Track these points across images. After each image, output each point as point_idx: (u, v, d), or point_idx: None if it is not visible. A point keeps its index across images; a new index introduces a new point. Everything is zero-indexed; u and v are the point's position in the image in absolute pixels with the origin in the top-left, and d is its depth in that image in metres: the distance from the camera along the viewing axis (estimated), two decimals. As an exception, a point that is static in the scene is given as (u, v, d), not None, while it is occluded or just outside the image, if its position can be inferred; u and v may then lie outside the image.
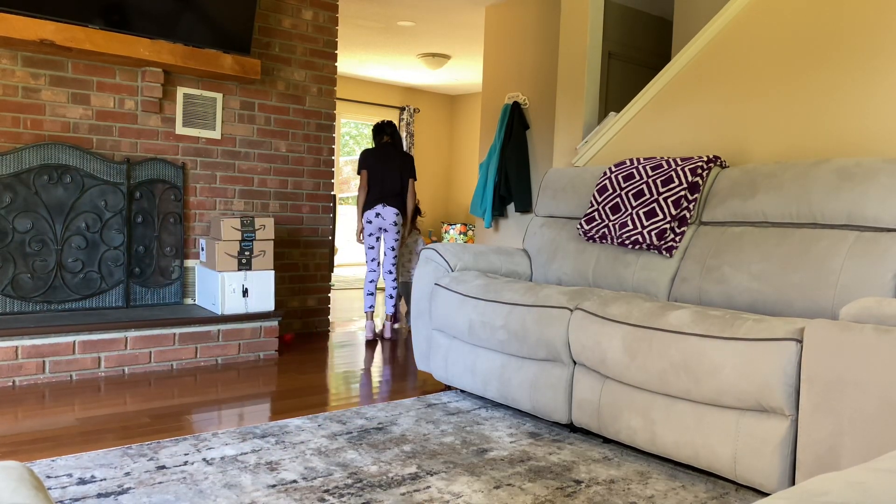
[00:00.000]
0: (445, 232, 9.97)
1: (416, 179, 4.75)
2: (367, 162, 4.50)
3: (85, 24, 3.39)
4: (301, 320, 4.61)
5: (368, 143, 10.49)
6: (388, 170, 4.50)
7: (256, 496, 1.99)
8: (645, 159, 3.20)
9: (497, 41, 6.00)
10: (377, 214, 4.47)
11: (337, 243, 8.60)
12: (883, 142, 2.76)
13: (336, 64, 4.61)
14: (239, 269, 3.75)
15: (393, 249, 4.57)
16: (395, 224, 4.51)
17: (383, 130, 4.66)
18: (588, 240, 3.27)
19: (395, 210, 4.49)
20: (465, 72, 8.96)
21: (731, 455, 2.09)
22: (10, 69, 3.40)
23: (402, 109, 10.28)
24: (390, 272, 4.60)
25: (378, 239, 4.56)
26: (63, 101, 3.56)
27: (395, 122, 10.32)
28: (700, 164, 2.99)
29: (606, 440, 2.61)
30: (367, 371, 3.64)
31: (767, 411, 2.03)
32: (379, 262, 4.57)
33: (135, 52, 3.53)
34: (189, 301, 4.01)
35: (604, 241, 3.18)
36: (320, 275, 4.69)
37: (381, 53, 8.08)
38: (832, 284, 2.37)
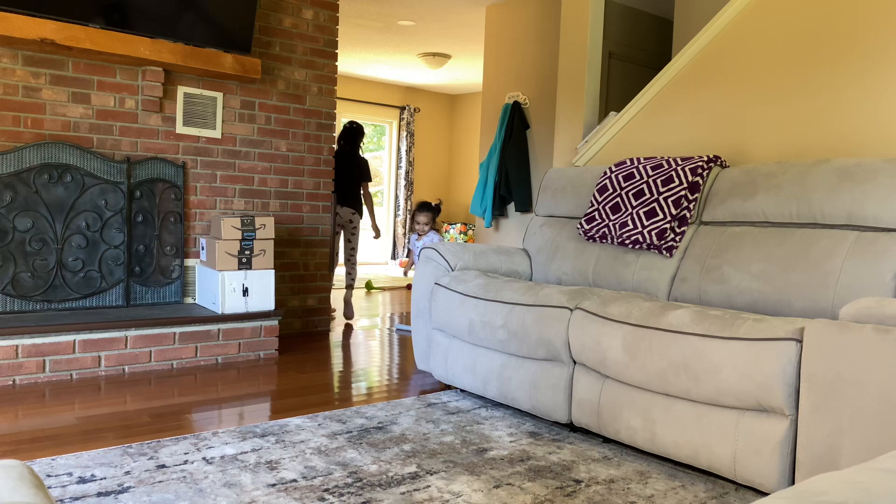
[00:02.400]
0: (445, 231, 9.98)
1: (369, 181, 5.46)
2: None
3: (85, 24, 3.39)
4: (301, 319, 4.61)
5: (370, 143, 10.49)
6: (347, 174, 5.29)
7: (256, 495, 1.99)
8: (645, 159, 3.20)
9: (497, 41, 6.00)
10: (336, 213, 5.27)
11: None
12: (883, 141, 2.76)
13: (336, 63, 4.61)
14: (239, 269, 3.75)
15: (349, 242, 5.35)
16: (351, 221, 5.32)
17: (340, 137, 5.35)
18: (588, 239, 3.27)
19: (351, 210, 5.31)
20: (465, 71, 8.96)
21: (731, 455, 2.09)
22: (11, 68, 3.40)
23: (402, 109, 10.28)
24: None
25: (338, 233, 5.34)
26: (63, 100, 3.56)
27: (395, 121, 10.32)
28: (700, 163, 2.99)
29: (606, 440, 2.61)
30: (367, 370, 3.64)
31: (767, 411, 2.03)
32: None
33: (135, 51, 3.53)
34: (189, 300, 4.01)
35: (604, 240, 3.18)
36: (320, 274, 4.69)
37: (382, 53, 8.08)
38: (832, 284, 2.38)
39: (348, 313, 5.26)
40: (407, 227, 10.23)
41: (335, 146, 5.19)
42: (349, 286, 5.38)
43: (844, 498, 0.69)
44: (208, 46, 3.79)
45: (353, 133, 5.33)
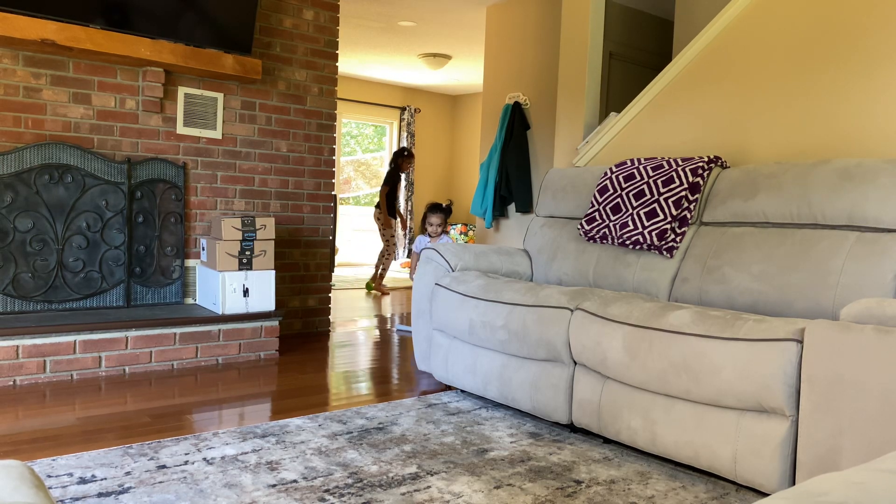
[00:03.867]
0: (446, 232, 9.98)
1: (385, 185, 6.94)
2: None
3: (86, 24, 3.39)
4: (301, 320, 4.61)
5: (370, 143, 10.49)
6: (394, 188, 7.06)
7: (257, 496, 1.99)
8: (646, 159, 3.20)
9: (498, 41, 6.00)
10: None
11: (337, 243, 8.63)
12: (884, 142, 2.76)
13: (337, 64, 4.61)
14: (240, 269, 3.75)
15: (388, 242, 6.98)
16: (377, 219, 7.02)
17: (391, 161, 7.08)
18: (589, 240, 3.27)
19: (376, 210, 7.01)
20: (465, 72, 8.96)
21: (732, 455, 2.09)
22: (12, 69, 3.41)
23: (402, 109, 10.29)
24: None
25: None
26: (64, 100, 3.56)
27: (396, 121, 10.33)
28: (701, 164, 2.99)
29: (607, 440, 2.61)
30: (368, 371, 3.64)
31: (768, 411, 2.03)
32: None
33: (136, 51, 3.53)
34: (190, 301, 4.02)
35: (604, 241, 3.18)
36: (321, 275, 4.69)
37: (382, 53, 8.08)
38: (833, 285, 2.37)
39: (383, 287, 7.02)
40: (408, 229, 10.22)
41: (390, 164, 7.00)
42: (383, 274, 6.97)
43: (845, 498, 0.69)
44: (209, 47, 3.80)
45: (398, 155, 7.00)
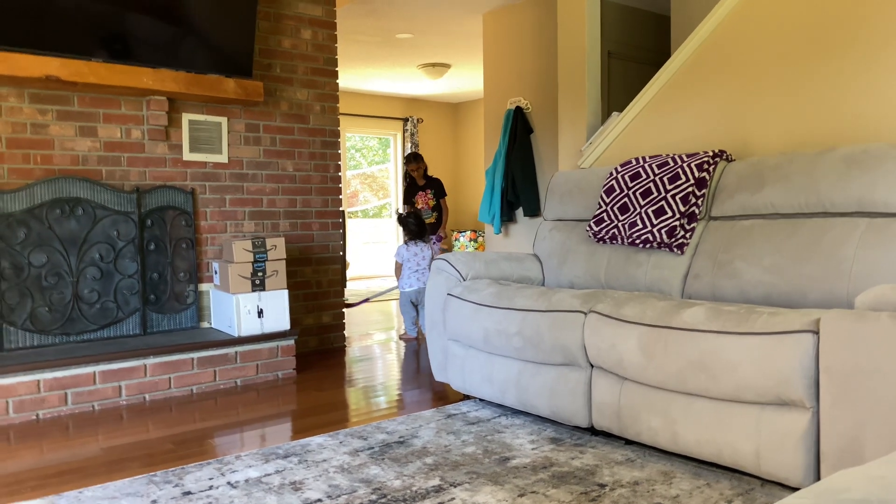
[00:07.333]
0: (455, 240, 9.98)
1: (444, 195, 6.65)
2: None
3: (88, 58, 3.43)
4: (317, 337, 4.63)
5: (375, 156, 10.53)
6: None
7: (282, 517, 2.00)
8: (650, 157, 3.20)
9: (496, 47, 6.02)
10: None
11: (348, 258, 8.67)
12: (889, 128, 2.74)
13: (337, 81, 4.64)
14: (253, 290, 3.77)
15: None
16: None
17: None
18: (598, 241, 3.27)
19: None
20: (466, 79, 8.99)
21: (754, 450, 2.07)
22: (18, 106, 3.45)
23: (405, 120, 10.32)
24: None
25: None
26: (71, 134, 3.61)
27: (399, 132, 10.37)
28: (706, 159, 2.99)
29: (628, 442, 2.60)
30: (385, 385, 3.65)
31: (788, 405, 2.02)
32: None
33: (138, 81, 3.58)
34: (205, 325, 4.04)
35: (614, 241, 3.18)
36: (333, 291, 4.71)
37: (382, 66, 8.13)
38: (846, 273, 2.36)
39: None
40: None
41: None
42: None
43: (866, 494, 0.69)
44: (210, 72, 3.83)
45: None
